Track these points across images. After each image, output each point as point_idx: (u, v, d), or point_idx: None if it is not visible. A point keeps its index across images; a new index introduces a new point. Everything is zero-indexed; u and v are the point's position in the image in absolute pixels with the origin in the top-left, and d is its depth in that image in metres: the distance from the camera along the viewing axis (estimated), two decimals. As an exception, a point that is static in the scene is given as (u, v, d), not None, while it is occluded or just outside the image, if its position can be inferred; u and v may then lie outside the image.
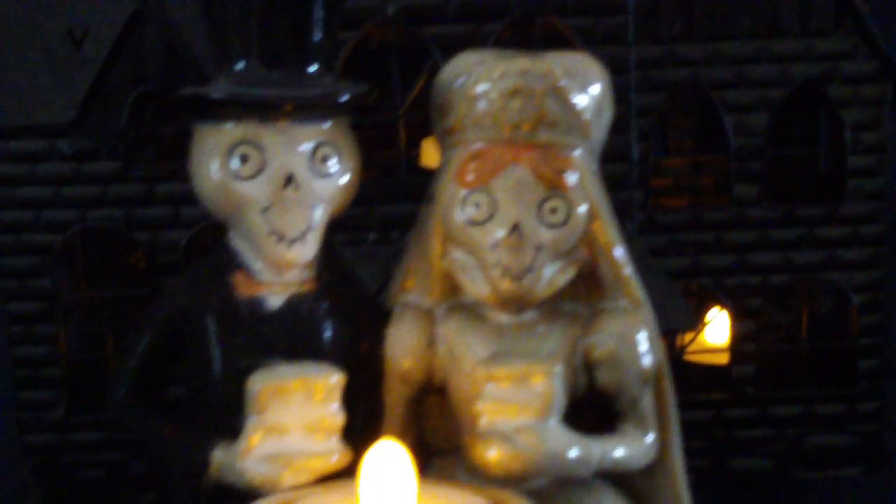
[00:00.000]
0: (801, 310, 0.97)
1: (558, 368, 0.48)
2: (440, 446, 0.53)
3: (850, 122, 0.90)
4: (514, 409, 0.48)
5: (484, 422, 0.48)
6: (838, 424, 0.95)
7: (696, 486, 0.89)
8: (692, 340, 0.94)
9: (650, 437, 0.51)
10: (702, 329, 0.95)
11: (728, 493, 0.99)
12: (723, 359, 0.97)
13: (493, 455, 0.47)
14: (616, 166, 0.83)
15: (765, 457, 0.96)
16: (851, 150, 0.91)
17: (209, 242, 0.90)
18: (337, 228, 0.53)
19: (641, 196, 0.90)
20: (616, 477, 0.53)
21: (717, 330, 0.98)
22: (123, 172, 0.89)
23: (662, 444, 0.52)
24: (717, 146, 0.92)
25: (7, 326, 0.95)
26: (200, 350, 0.51)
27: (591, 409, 0.52)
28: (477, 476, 0.49)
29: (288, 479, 0.47)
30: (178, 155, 0.90)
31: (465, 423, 0.50)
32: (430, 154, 0.87)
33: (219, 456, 0.49)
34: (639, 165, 0.88)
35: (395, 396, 0.53)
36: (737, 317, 0.93)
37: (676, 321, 0.74)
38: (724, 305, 0.93)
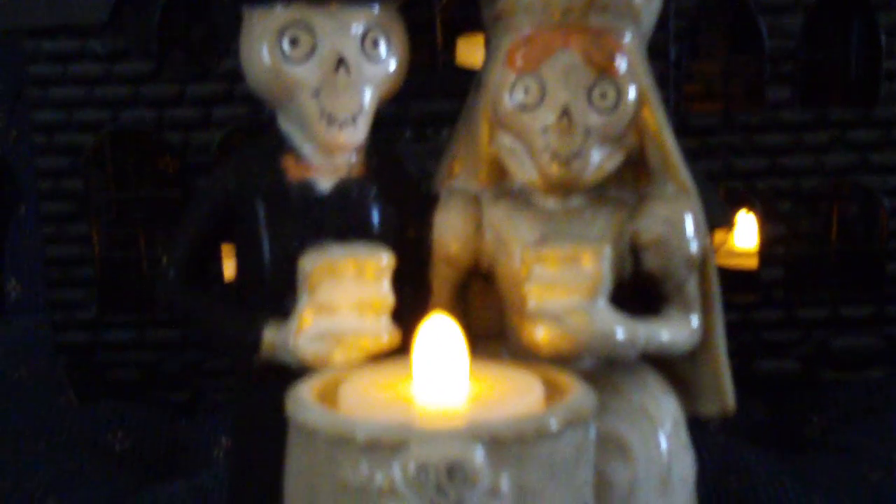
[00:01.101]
0: (831, 213, 0.97)
1: (607, 250, 0.49)
2: (485, 332, 0.54)
3: (884, 25, 0.89)
4: (562, 290, 0.48)
5: (532, 303, 0.48)
6: (865, 327, 0.96)
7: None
8: (722, 243, 0.94)
9: (695, 322, 0.52)
10: (731, 230, 0.95)
11: (755, 394, 1.00)
12: (752, 262, 0.97)
13: (541, 335, 0.48)
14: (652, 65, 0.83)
15: (792, 359, 0.97)
16: (886, 54, 0.90)
17: (241, 143, 0.91)
18: (373, 126, 0.53)
19: (674, 99, 0.90)
20: (659, 361, 0.53)
21: (746, 234, 0.98)
22: (156, 73, 0.89)
23: (706, 329, 0.53)
24: (751, 49, 0.92)
25: (40, 226, 0.96)
26: (250, 233, 0.51)
27: (637, 295, 0.52)
28: (522, 359, 0.50)
29: (339, 356, 0.48)
30: (209, 55, 0.90)
31: (513, 306, 0.51)
32: (465, 51, 0.87)
33: (270, 335, 0.49)
34: (673, 68, 0.88)
35: (441, 281, 0.53)
36: (767, 220, 0.93)
37: (711, 216, 0.74)
38: (754, 209, 0.93)
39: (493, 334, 0.54)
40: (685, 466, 0.53)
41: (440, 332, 0.44)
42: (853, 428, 0.94)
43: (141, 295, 0.97)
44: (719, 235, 0.93)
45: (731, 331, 0.85)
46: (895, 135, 0.91)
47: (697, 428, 0.55)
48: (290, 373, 0.48)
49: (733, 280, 0.97)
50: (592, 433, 0.43)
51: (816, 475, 0.86)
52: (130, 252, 0.99)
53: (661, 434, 0.51)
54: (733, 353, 0.55)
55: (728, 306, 0.82)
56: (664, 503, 0.51)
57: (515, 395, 0.44)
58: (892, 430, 0.92)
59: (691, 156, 0.90)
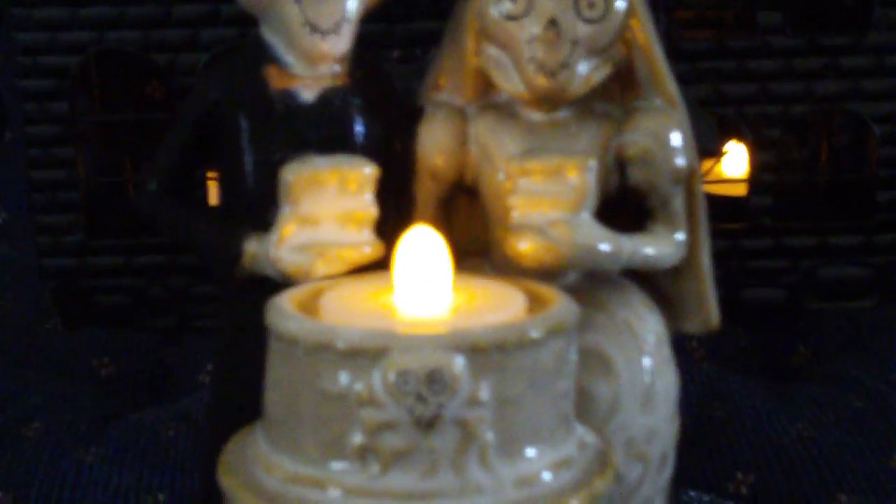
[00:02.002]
0: (821, 141, 0.96)
1: (593, 162, 0.48)
2: (468, 249, 0.53)
3: (876, -51, 0.89)
4: (546, 202, 0.48)
5: (516, 215, 0.48)
6: (854, 256, 0.96)
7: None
8: (710, 170, 0.94)
9: (680, 237, 0.51)
10: (720, 158, 0.94)
11: (741, 322, 1.00)
12: (741, 190, 0.97)
13: (525, 246, 0.47)
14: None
15: (779, 287, 0.97)
16: (878, -21, 0.89)
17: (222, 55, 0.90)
18: (359, 45, 0.52)
19: (665, 25, 0.89)
20: (643, 278, 0.53)
21: (735, 162, 0.98)
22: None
23: (691, 246, 0.52)
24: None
25: (25, 150, 0.95)
26: (233, 144, 0.51)
27: (622, 212, 0.52)
28: (505, 274, 0.49)
29: (321, 268, 0.48)
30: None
31: (497, 220, 0.51)
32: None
33: (252, 246, 0.49)
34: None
35: (426, 195, 0.53)
36: (756, 147, 0.93)
37: (700, 140, 0.74)
38: (744, 135, 0.93)
39: (476, 251, 0.53)
40: (668, 383, 0.52)
41: (423, 243, 0.44)
42: (838, 357, 0.95)
43: (127, 220, 0.97)
44: (707, 162, 0.93)
45: (719, 259, 0.85)
46: (887, 61, 0.91)
47: (682, 355, 0.55)
48: (271, 285, 0.47)
49: (721, 207, 0.96)
50: (574, 345, 0.43)
51: (801, 403, 0.86)
52: (117, 177, 0.98)
53: (645, 350, 0.51)
54: (720, 281, 0.55)
55: (716, 234, 0.82)
56: (646, 419, 0.51)
57: (497, 305, 0.43)
58: (877, 359, 0.92)
59: (682, 82, 0.90)
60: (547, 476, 0.41)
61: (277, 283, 0.48)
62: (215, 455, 0.44)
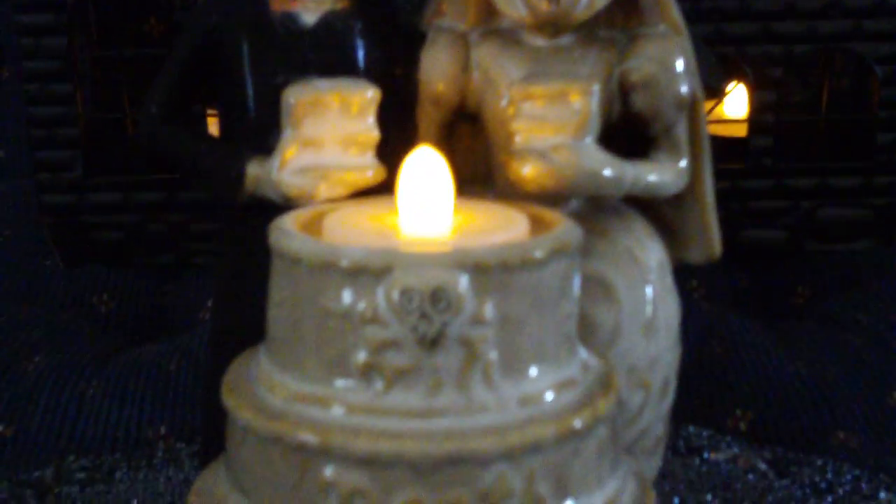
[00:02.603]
0: (822, 81, 0.96)
1: (596, 87, 0.48)
2: (470, 177, 0.53)
3: None
4: (550, 126, 0.47)
5: (519, 140, 0.48)
6: (854, 197, 0.96)
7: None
8: (711, 110, 0.94)
9: (682, 163, 0.51)
10: (723, 97, 0.94)
11: (740, 263, 1.00)
12: (741, 131, 0.97)
13: (528, 171, 0.47)
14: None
15: (779, 228, 0.97)
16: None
17: None
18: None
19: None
20: (646, 207, 0.53)
21: (735, 102, 0.97)
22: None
23: (694, 174, 0.52)
24: None
25: (23, 86, 0.94)
26: (233, 68, 0.50)
27: (624, 140, 0.51)
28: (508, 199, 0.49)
29: (323, 191, 0.48)
30: None
31: (500, 146, 0.50)
32: None
33: (254, 169, 0.49)
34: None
35: (427, 121, 0.52)
36: (757, 87, 0.93)
37: (705, 76, 0.74)
38: (745, 75, 0.92)
39: (478, 179, 0.53)
40: (670, 311, 0.52)
41: (426, 164, 0.44)
42: (837, 298, 0.95)
43: (126, 156, 0.96)
44: (710, 102, 0.92)
45: (718, 199, 0.85)
46: (890, 1, 0.90)
47: (681, 295, 0.54)
48: (273, 208, 0.47)
49: (722, 148, 0.96)
50: (577, 267, 0.43)
51: (800, 342, 0.86)
52: (115, 113, 0.98)
53: (647, 277, 0.51)
54: (719, 222, 0.55)
55: (715, 174, 0.82)
56: (648, 346, 0.51)
57: (501, 226, 0.43)
58: (876, 300, 0.93)
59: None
60: (550, 396, 0.41)
61: (279, 207, 0.47)
62: (216, 384, 0.44)
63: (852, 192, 0.95)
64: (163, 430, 0.77)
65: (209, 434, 0.54)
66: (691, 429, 0.73)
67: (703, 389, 0.80)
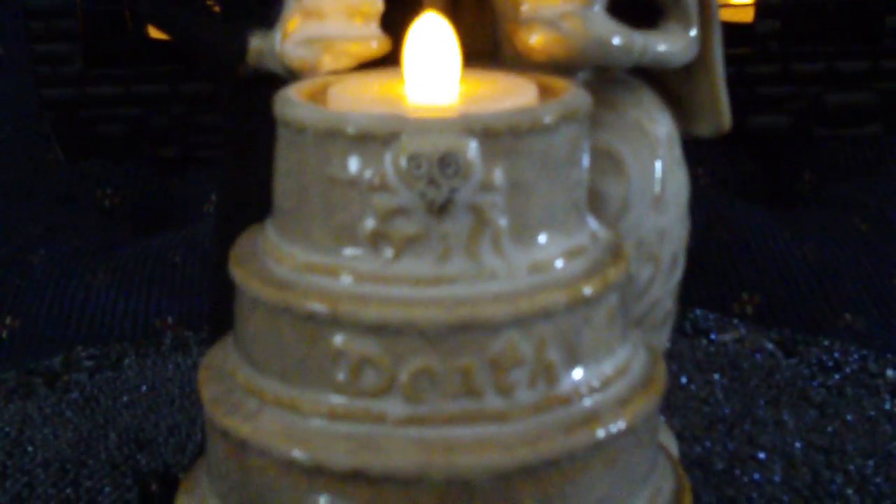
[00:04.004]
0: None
1: (604, -47, 0.47)
2: (476, 52, 0.52)
3: None
4: (558, -6, 0.47)
5: (526, 8, 0.47)
6: (861, 82, 0.95)
7: (715, 143, 0.90)
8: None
9: (692, 32, 0.50)
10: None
11: (747, 149, 0.99)
12: (747, 16, 0.96)
13: (535, 39, 0.46)
14: None
15: (785, 114, 0.96)
16: None
17: None
18: None
19: None
20: (655, 79, 0.52)
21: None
22: None
23: (703, 43, 0.51)
24: None
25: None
26: (234, -61, 0.49)
27: (633, 11, 0.50)
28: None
29: (327, 62, 0.47)
30: None
31: (506, 15, 0.49)
32: None
33: (256, 42, 0.48)
34: None
35: (433, -7, 0.51)
36: (765, -30, 0.91)
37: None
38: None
39: (485, 56, 0.52)
40: (679, 184, 0.52)
41: (432, 31, 0.43)
42: (844, 183, 0.94)
43: (127, 48, 0.95)
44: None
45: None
46: None
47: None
48: (277, 82, 0.46)
49: (728, 33, 0.95)
50: (587, 135, 0.43)
51: (806, 226, 0.86)
52: (115, 4, 0.96)
53: (655, 150, 0.51)
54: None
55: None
56: (657, 220, 0.51)
57: (509, 94, 0.43)
58: (883, 184, 0.92)
59: None
60: (560, 263, 0.41)
61: (283, 80, 0.47)
62: (223, 267, 0.44)
63: (860, 76, 0.94)
64: (170, 319, 0.77)
65: (217, 321, 0.54)
66: (698, 311, 0.73)
67: (710, 274, 0.80)
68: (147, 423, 0.64)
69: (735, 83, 0.92)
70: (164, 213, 0.97)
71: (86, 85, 0.94)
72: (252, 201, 0.47)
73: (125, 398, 0.66)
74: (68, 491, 0.58)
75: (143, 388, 0.67)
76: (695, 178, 0.93)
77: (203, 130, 0.95)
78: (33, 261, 0.84)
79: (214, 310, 0.56)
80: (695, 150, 0.55)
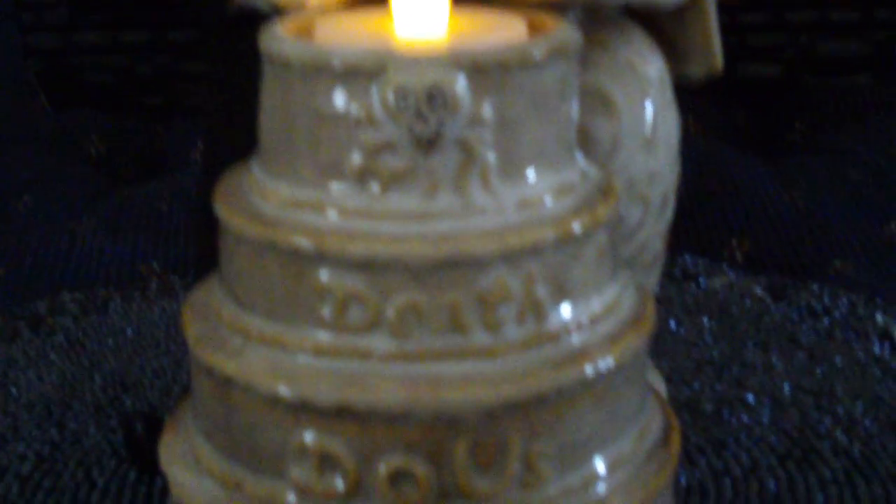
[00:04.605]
0: None
1: None
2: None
3: None
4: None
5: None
6: (852, 31, 0.94)
7: (706, 92, 0.89)
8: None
9: (684, -28, 0.50)
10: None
11: (737, 98, 0.99)
12: (739, -37, 0.95)
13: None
14: None
15: (776, 62, 0.95)
16: None
17: None
18: None
19: None
20: (647, 20, 0.52)
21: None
22: None
23: (695, -16, 0.51)
24: None
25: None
26: None
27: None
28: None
29: (314, -3, 0.46)
30: None
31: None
32: None
33: (243, -23, 0.47)
34: None
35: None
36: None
37: None
38: None
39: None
40: (670, 125, 0.52)
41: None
42: (835, 132, 0.94)
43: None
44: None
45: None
46: None
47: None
48: (262, 18, 0.46)
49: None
50: (576, 72, 0.42)
51: (797, 174, 0.86)
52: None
53: (647, 90, 0.50)
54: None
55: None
56: (647, 160, 0.51)
57: (498, 29, 0.42)
58: (874, 134, 0.92)
59: None
60: (549, 200, 0.40)
61: (269, 17, 0.46)
62: (209, 211, 0.43)
63: (852, 25, 0.94)
64: (156, 265, 0.77)
65: (203, 265, 0.54)
66: (688, 257, 0.72)
67: (700, 220, 0.79)
68: (132, 366, 0.63)
69: (726, 31, 0.92)
70: (150, 161, 0.97)
71: (71, 32, 0.93)
72: (238, 145, 0.46)
73: (110, 342, 0.66)
74: (53, 432, 0.58)
75: (129, 331, 0.67)
76: (685, 127, 0.93)
77: (189, 79, 0.95)
78: (18, 208, 0.83)
79: (200, 254, 0.55)
80: (685, 99, 0.54)
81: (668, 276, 0.68)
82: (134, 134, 0.98)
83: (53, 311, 0.68)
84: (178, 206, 0.83)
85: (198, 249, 0.57)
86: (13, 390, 0.62)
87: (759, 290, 0.67)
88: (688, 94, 0.54)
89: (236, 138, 0.48)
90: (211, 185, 0.47)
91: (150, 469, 0.53)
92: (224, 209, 0.42)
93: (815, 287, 0.68)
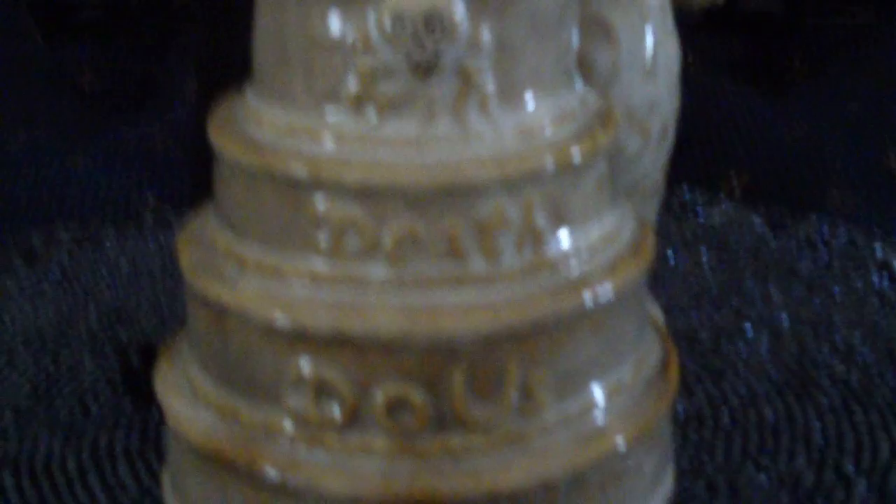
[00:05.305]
0: None
1: None
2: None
3: None
4: None
5: None
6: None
7: (706, 27, 0.88)
8: None
9: None
10: None
11: (736, 33, 0.98)
12: None
13: None
14: None
15: (776, -2, 0.95)
16: None
17: None
18: None
19: None
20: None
21: None
22: None
23: None
24: None
25: None
26: None
27: None
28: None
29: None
30: None
31: None
32: None
33: None
34: None
35: None
36: None
37: None
38: None
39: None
40: (670, 54, 0.51)
41: None
42: (834, 68, 0.93)
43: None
44: None
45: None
46: None
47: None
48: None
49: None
50: (576, -2, 0.42)
51: (795, 107, 0.85)
52: None
53: (646, 18, 0.49)
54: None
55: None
56: (647, 89, 0.50)
57: (495, -47, 0.41)
58: (875, 69, 0.91)
59: None
60: (548, 127, 0.40)
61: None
62: (203, 141, 0.42)
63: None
64: (150, 198, 0.76)
65: (198, 196, 0.53)
66: (686, 189, 0.72)
67: (699, 152, 0.79)
68: (128, 298, 0.63)
69: (726, -36, 0.91)
70: (144, 96, 0.96)
71: (62, -36, 0.92)
72: (231, 74, 0.45)
73: (105, 273, 0.65)
74: (48, 363, 0.57)
75: (124, 263, 0.66)
76: (684, 61, 0.93)
77: (180, 14, 0.94)
78: (12, 145, 0.82)
79: (195, 185, 0.55)
80: (685, 34, 0.54)
81: (666, 207, 0.68)
82: (127, 69, 0.97)
83: (48, 244, 0.68)
84: (173, 138, 0.82)
85: (192, 181, 0.56)
86: (8, 322, 0.61)
87: (757, 222, 0.67)
88: (687, 28, 0.54)
89: (230, 64, 0.47)
90: (204, 114, 0.47)
91: (145, 399, 0.52)
92: (218, 137, 0.41)
93: (813, 218, 0.68)
